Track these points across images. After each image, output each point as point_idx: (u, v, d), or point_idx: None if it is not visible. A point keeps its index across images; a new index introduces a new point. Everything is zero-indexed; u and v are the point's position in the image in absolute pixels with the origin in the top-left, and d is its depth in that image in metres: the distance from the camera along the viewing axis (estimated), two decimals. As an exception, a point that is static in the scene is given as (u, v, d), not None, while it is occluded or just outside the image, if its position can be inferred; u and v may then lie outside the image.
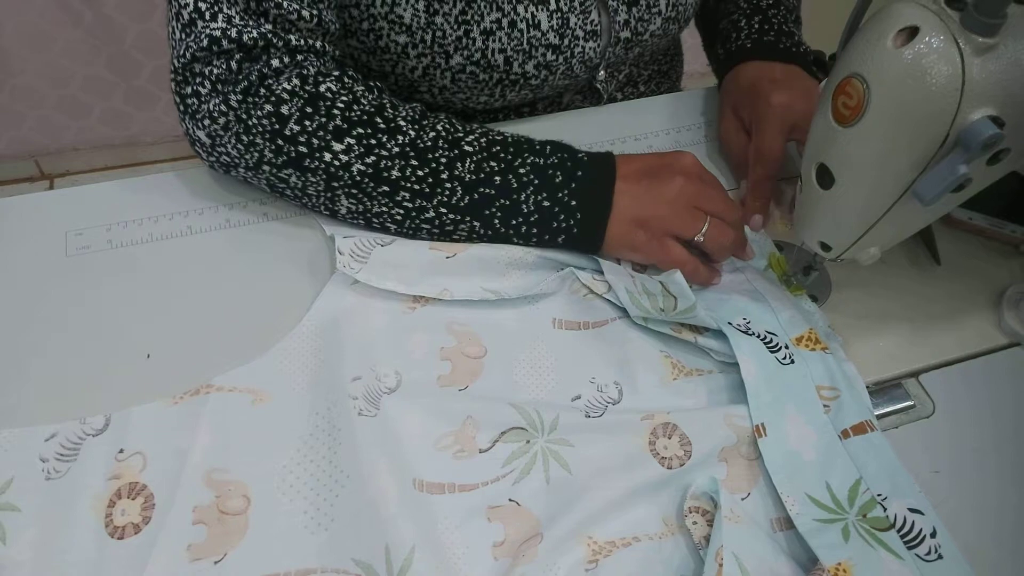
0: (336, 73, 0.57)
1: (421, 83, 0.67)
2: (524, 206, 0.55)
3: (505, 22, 0.63)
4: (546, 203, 0.55)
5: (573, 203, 0.55)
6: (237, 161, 0.57)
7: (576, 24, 0.65)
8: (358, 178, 0.55)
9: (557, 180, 0.55)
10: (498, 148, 0.56)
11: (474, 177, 0.55)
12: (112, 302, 0.56)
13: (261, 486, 0.46)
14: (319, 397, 0.50)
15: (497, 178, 0.55)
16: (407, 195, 0.55)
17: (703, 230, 0.55)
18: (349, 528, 0.45)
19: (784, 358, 0.53)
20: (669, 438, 0.50)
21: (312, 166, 0.55)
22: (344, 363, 0.51)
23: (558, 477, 0.48)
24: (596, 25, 0.66)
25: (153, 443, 0.48)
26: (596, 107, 0.76)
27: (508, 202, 0.55)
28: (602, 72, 0.72)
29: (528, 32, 0.64)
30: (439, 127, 0.56)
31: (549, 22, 0.64)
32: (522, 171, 0.55)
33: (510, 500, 0.47)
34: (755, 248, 0.60)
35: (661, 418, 0.51)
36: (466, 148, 0.55)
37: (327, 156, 0.54)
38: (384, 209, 0.56)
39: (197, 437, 0.48)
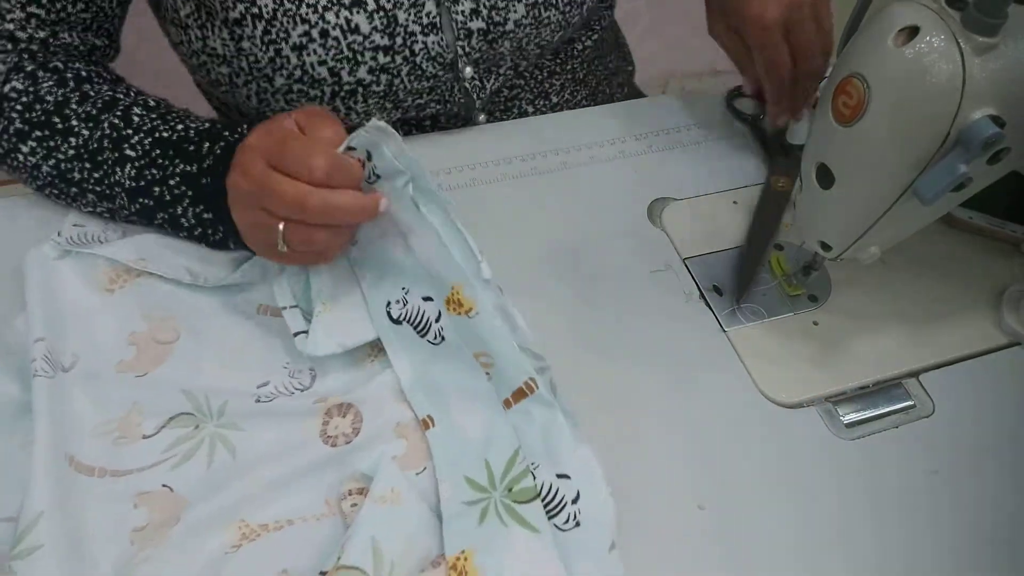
0: (30, 68, 0.56)
1: (266, 109, 0.64)
2: (184, 219, 0.53)
3: (315, 33, 0.58)
4: (206, 214, 0.52)
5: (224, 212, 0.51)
6: None
7: (408, 19, 0.60)
8: (50, 179, 0.55)
9: (212, 189, 0.51)
10: (159, 152, 0.53)
11: (135, 185, 0.53)
12: (111, 301, 0.56)
13: None
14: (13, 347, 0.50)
15: (156, 188, 0.53)
16: (94, 197, 0.55)
17: (280, 242, 0.47)
18: (8, 482, 0.45)
19: (435, 338, 0.52)
20: (344, 417, 0.50)
21: (15, 165, 0.55)
22: (32, 326, 0.50)
23: (221, 462, 0.48)
24: (434, 17, 0.61)
25: None
26: (536, 116, 0.73)
27: (167, 215, 0.53)
28: (468, 69, 0.65)
29: (345, 38, 0.59)
30: (106, 124, 0.54)
31: (371, 23, 0.59)
32: (172, 183, 0.53)
33: (163, 485, 0.47)
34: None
35: (336, 400, 0.50)
36: (128, 152, 0.53)
37: (20, 157, 0.55)
38: (90, 210, 0.56)
39: None
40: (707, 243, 0.63)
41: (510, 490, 0.47)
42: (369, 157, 0.48)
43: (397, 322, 0.52)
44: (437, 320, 0.52)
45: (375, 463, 0.47)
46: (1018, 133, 0.43)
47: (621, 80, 0.87)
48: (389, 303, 0.53)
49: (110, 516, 0.45)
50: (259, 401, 0.51)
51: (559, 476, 0.47)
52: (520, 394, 0.49)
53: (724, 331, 0.57)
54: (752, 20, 0.60)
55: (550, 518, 0.46)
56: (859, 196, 0.48)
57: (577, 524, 0.46)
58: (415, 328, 0.52)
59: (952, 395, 0.55)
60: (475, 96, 0.68)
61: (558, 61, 0.74)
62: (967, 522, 0.49)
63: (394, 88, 0.63)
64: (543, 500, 0.46)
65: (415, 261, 0.52)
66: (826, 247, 0.53)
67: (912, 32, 0.42)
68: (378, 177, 0.49)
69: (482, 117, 0.71)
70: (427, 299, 0.52)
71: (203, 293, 0.54)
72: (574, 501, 0.46)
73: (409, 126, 0.70)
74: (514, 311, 0.50)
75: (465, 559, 0.44)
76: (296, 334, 0.51)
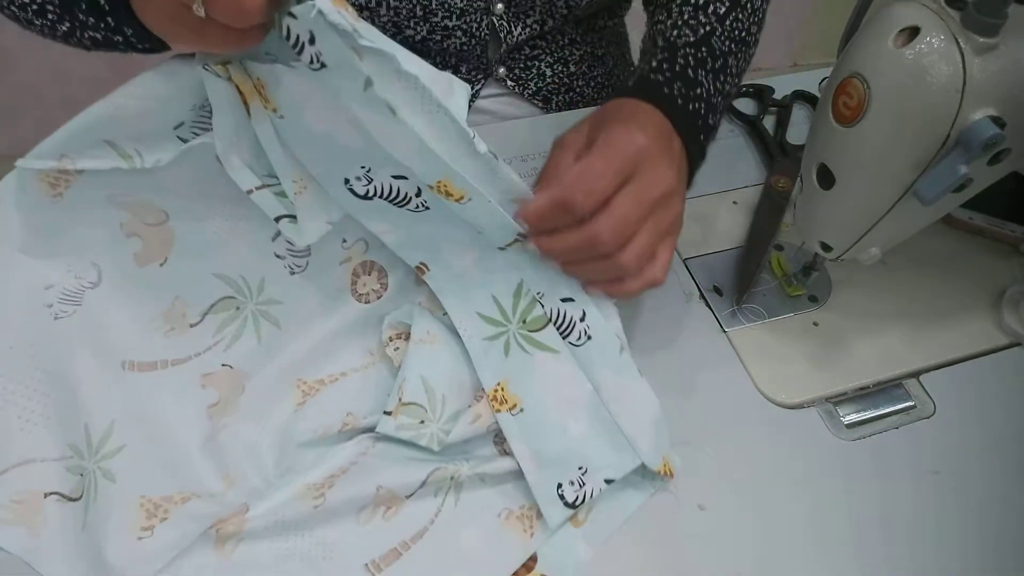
0: None
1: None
2: None
3: None
4: None
5: None
6: None
7: None
8: None
9: None
10: None
11: None
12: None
13: None
14: (13, 312, 0.47)
15: None
16: None
17: (197, 2, 0.37)
18: (60, 420, 0.46)
19: (417, 208, 0.48)
20: (369, 275, 0.53)
21: None
22: (31, 274, 0.47)
23: (269, 335, 0.51)
24: None
25: None
26: (536, 117, 0.74)
27: None
28: (500, 5, 0.66)
29: None
30: None
31: None
32: None
33: (223, 365, 0.49)
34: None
35: (359, 257, 0.52)
36: None
37: None
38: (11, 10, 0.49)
39: None
40: (707, 243, 0.63)
41: (524, 321, 0.51)
42: (312, 40, 0.39)
43: (366, 198, 0.48)
44: (418, 195, 0.48)
45: (409, 312, 0.51)
46: (1018, 134, 0.43)
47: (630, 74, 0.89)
48: (348, 180, 0.47)
49: (184, 400, 0.48)
50: (293, 273, 0.52)
51: (563, 300, 0.50)
52: (513, 242, 0.50)
53: (724, 331, 0.57)
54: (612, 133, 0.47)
55: (563, 338, 0.50)
56: (859, 197, 0.48)
57: (589, 338, 0.50)
58: (391, 202, 0.48)
59: (953, 395, 0.55)
60: (502, 37, 0.69)
61: (580, 31, 0.75)
62: (968, 523, 0.49)
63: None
64: (555, 324, 0.50)
65: (375, 146, 0.44)
66: (826, 248, 0.53)
67: (912, 32, 0.43)
68: (324, 66, 0.40)
69: (502, 70, 0.72)
70: (399, 177, 0.47)
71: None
72: (581, 319, 0.50)
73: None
74: (508, 170, 0.45)
75: (502, 389, 0.50)
76: (278, 219, 0.46)
